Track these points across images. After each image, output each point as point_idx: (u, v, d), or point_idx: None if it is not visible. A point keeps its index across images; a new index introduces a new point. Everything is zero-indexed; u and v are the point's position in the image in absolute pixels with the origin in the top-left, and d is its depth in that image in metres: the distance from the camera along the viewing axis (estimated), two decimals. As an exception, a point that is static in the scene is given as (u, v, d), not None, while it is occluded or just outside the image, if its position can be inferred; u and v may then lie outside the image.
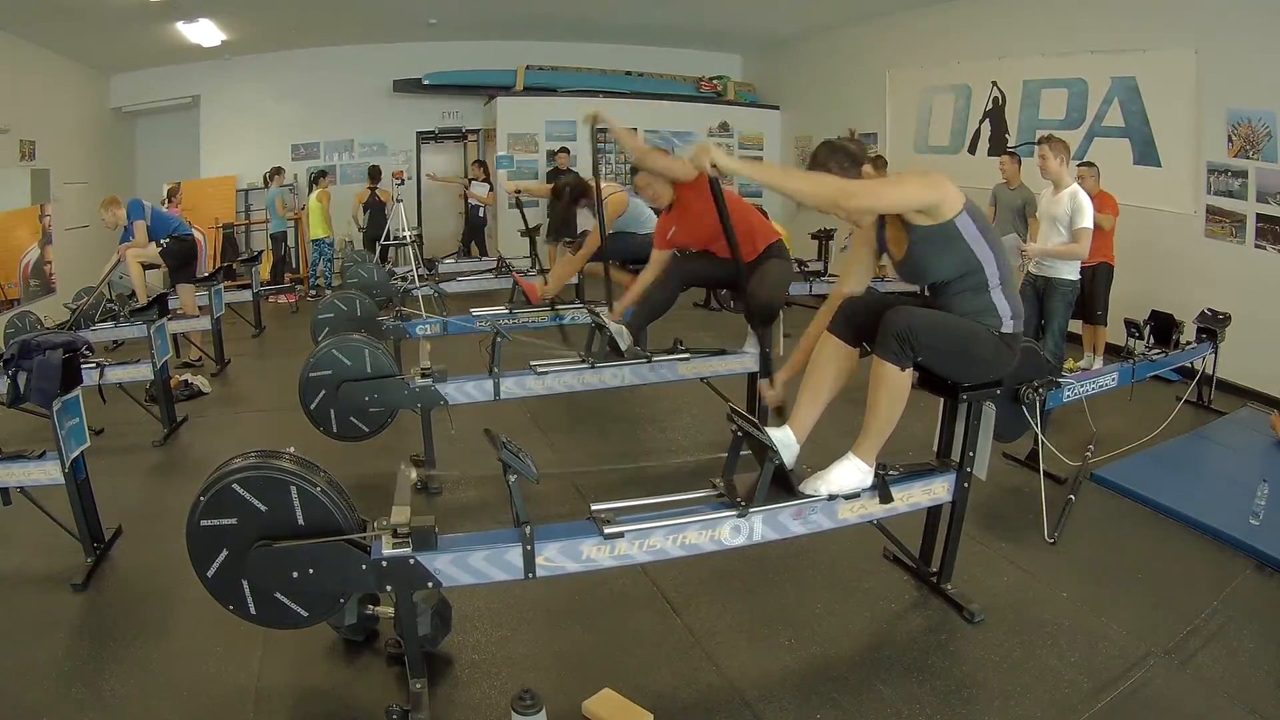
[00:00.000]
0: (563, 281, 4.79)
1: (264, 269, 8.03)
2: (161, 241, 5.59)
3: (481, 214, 9.19)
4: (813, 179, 2.16)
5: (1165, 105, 5.41)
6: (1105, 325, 5.10)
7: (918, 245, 2.17)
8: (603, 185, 4.62)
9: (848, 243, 2.49)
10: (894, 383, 2.14)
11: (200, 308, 5.71)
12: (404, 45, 9.40)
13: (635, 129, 8.97)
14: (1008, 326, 2.23)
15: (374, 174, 8.78)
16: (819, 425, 2.29)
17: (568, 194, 4.63)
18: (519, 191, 6.56)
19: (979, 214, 2.18)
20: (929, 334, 2.12)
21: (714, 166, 2.14)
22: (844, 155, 2.24)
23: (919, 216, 2.13)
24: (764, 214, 4.04)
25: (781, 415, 2.77)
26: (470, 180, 9.23)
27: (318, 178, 8.80)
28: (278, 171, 8.82)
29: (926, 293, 2.35)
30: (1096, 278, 4.94)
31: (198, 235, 6.18)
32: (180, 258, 5.68)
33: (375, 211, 8.55)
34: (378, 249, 7.68)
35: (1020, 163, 5.74)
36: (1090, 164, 5.09)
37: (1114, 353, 4.99)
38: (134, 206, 5.68)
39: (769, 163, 2.65)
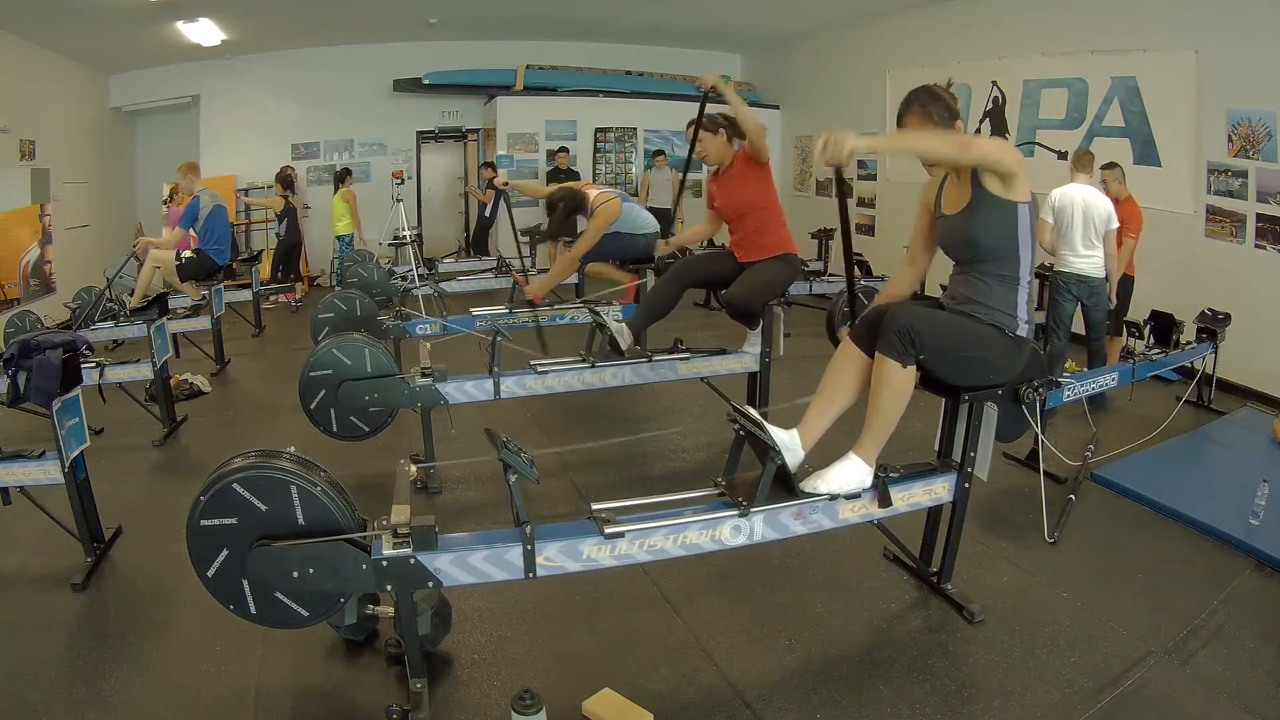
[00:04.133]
0: (547, 287, 4.79)
1: (264, 268, 8.04)
2: (181, 256, 5.61)
3: (488, 213, 9.19)
4: (939, 137, 2.18)
5: (1165, 105, 5.41)
6: (1121, 336, 5.06)
7: (977, 206, 2.17)
8: (596, 193, 4.66)
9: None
10: (896, 380, 2.13)
11: (200, 307, 5.73)
12: (404, 45, 9.41)
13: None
14: (1022, 330, 2.23)
15: (287, 181, 8.59)
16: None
17: (560, 209, 4.63)
18: (507, 184, 6.50)
19: (1034, 216, 2.20)
20: (932, 333, 2.11)
21: (850, 155, 1.92)
22: (943, 105, 2.24)
23: (997, 184, 2.14)
24: None
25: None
26: (490, 182, 9.16)
27: (343, 176, 8.81)
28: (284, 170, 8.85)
29: (955, 268, 2.32)
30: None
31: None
32: (198, 274, 5.70)
33: (290, 220, 8.43)
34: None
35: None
36: (1114, 165, 4.89)
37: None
38: (190, 210, 5.69)
39: (892, 133, 2.58)
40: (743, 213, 3.58)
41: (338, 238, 8.74)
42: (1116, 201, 4.48)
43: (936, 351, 2.15)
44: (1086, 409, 3.96)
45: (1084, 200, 4.28)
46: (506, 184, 6.50)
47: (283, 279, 8.26)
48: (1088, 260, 4.32)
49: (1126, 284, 4.94)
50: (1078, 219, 4.28)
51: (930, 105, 2.24)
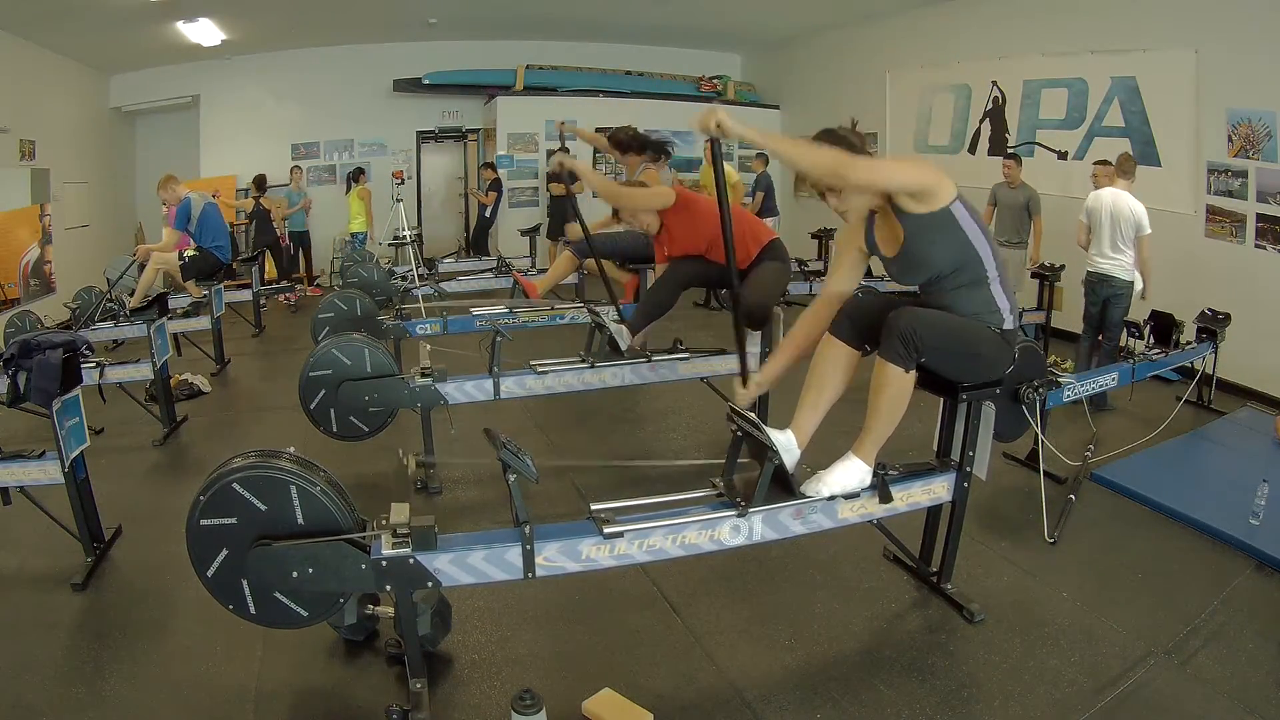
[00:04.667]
0: (548, 286, 4.79)
1: (270, 268, 8.08)
2: (184, 256, 5.61)
3: (489, 214, 9.19)
4: (814, 149, 2.11)
5: (1165, 105, 5.42)
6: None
7: (913, 236, 2.13)
8: (660, 180, 4.63)
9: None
10: (897, 385, 2.13)
11: (201, 305, 5.73)
12: (404, 45, 9.41)
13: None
14: (1008, 323, 2.22)
15: (259, 183, 8.55)
16: (819, 425, 2.28)
17: (626, 143, 4.66)
18: (563, 122, 6.25)
19: (971, 206, 2.15)
20: (933, 335, 2.11)
21: (718, 127, 2.05)
22: (845, 146, 2.18)
23: (913, 204, 2.09)
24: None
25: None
26: (488, 185, 9.17)
27: (357, 175, 8.81)
28: (294, 170, 8.89)
29: (921, 293, 2.31)
30: None
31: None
32: (202, 272, 5.70)
33: (261, 222, 8.41)
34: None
35: (1021, 163, 5.82)
36: (1105, 161, 4.97)
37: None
38: (182, 210, 5.68)
39: (770, 131, 2.55)
40: (709, 243, 3.56)
41: (352, 235, 8.78)
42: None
43: (938, 353, 2.15)
44: (1087, 409, 3.96)
45: (1112, 203, 4.37)
46: (563, 122, 6.08)
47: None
48: (1113, 261, 4.40)
49: None
50: (1105, 222, 4.39)
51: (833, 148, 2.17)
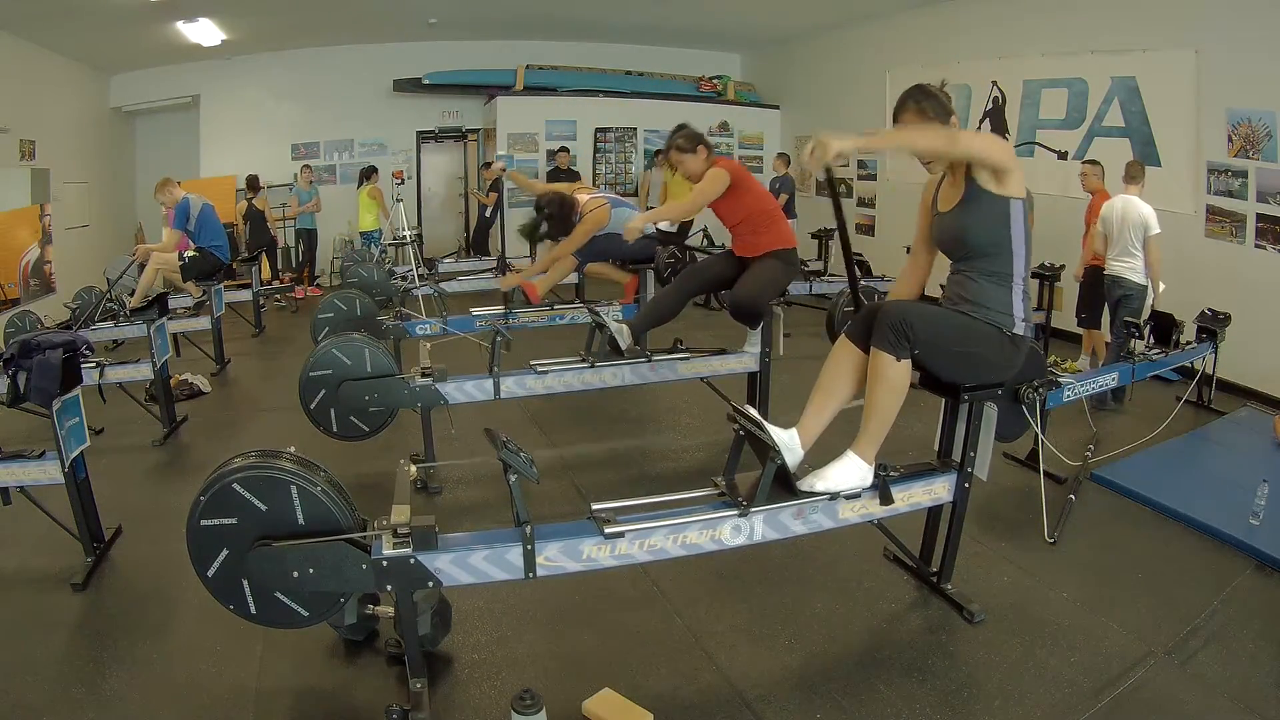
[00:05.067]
0: (548, 286, 4.82)
1: (265, 268, 8.06)
2: (184, 256, 5.61)
3: (489, 214, 9.18)
4: (927, 132, 2.19)
5: (1165, 105, 5.41)
6: (1099, 329, 5.10)
7: (970, 203, 2.18)
8: (587, 198, 4.69)
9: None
10: (891, 374, 2.12)
11: (202, 304, 5.73)
12: (404, 45, 9.41)
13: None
14: (1019, 328, 2.22)
15: (252, 184, 8.46)
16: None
17: (545, 214, 4.66)
18: (504, 170, 6.43)
19: (1029, 213, 2.20)
20: (925, 326, 2.11)
21: (838, 156, 1.95)
22: (937, 102, 2.25)
23: (990, 180, 2.14)
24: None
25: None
26: (490, 185, 9.15)
27: (369, 173, 8.80)
28: (304, 169, 8.88)
29: (951, 272, 2.32)
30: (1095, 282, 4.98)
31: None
32: (202, 272, 5.70)
33: (256, 223, 8.35)
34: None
35: None
36: (1093, 161, 5.17)
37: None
38: (181, 210, 5.68)
39: (878, 130, 2.57)
40: (738, 220, 3.61)
41: (363, 233, 8.76)
42: (1093, 195, 4.94)
43: (930, 346, 2.14)
44: (1087, 409, 3.96)
45: (1123, 209, 4.57)
46: (504, 170, 6.45)
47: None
48: (1125, 264, 4.58)
49: (1092, 276, 5.01)
50: (1117, 227, 4.59)
51: (925, 102, 2.25)
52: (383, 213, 8.72)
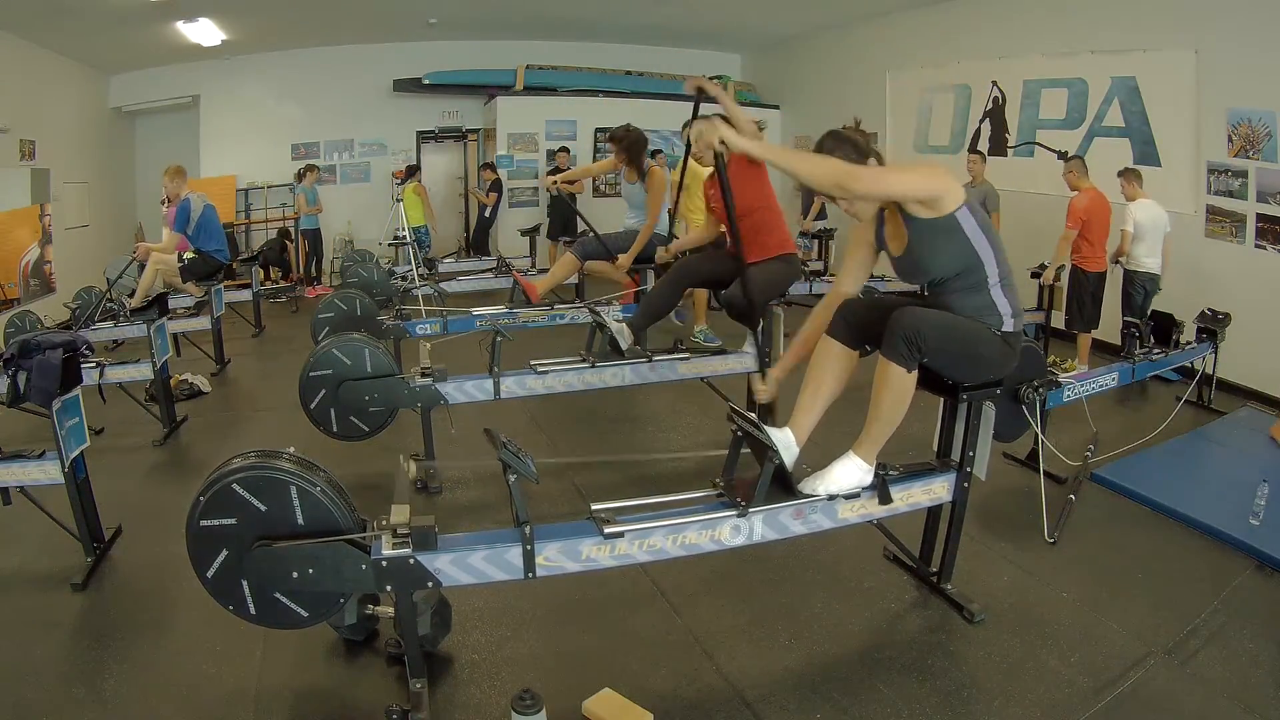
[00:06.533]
0: (548, 287, 4.80)
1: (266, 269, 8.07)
2: (183, 258, 5.60)
3: (489, 214, 9.18)
4: (818, 160, 2.12)
5: (1165, 105, 5.41)
6: (1085, 332, 5.08)
7: (917, 239, 2.15)
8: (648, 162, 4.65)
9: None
10: (899, 384, 2.13)
11: (202, 304, 5.73)
12: (404, 45, 9.41)
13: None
14: (1009, 325, 2.22)
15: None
16: (819, 425, 2.29)
17: (622, 144, 4.64)
18: (556, 184, 6.08)
19: (978, 210, 2.16)
20: (936, 335, 2.11)
21: (721, 143, 2.19)
22: (850, 146, 2.20)
23: (919, 209, 2.10)
24: None
25: (772, 413, 2.80)
26: (489, 186, 9.16)
27: (413, 171, 8.80)
28: (310, 169, 8.88)
29: (925, 292, 2.34)
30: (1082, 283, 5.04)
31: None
32: (202, 275, 5.70)
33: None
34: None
35: (985, 161, 6.21)
36: (1076, 157, 5.22)
37: (1113, 352, 5.01)
38: (182, 211, 5.66)
39: (774, 144, 2.64)
40: (741, 214, 3.58)
41: (412, 229, 8.75)
42: (1076, 192, 5.04)
43: (940, 352, 2.15)
44: (1087, 409, 3.96)
45: (1153, 212, 4.89)
46: (556, 184, 5.74)
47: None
48: (1156, 260, 4.93)
49: (1076, 276, 5.05)
50: (1149, 229, 4.89)
51: (835, 149, 2.20)
52: (428, 210, 8.75)
